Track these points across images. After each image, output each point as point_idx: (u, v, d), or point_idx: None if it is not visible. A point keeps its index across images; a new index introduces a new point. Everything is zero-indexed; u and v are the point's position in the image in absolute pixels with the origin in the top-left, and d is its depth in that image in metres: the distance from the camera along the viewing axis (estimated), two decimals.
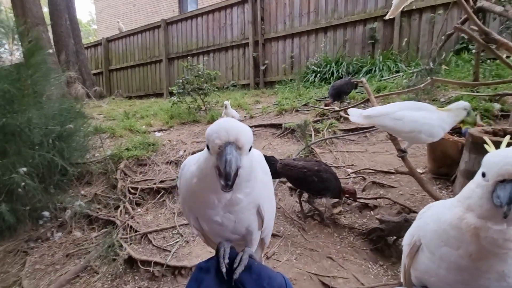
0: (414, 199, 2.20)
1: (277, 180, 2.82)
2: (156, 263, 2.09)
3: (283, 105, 4.78)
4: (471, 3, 2.56)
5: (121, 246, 2.33)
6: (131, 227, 2.57)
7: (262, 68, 7.19)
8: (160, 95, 9.17)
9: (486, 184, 0.58)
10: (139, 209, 2.87)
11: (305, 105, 4.61)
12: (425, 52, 4.77)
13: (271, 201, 0.83)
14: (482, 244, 0.59)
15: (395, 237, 1.85)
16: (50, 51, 4.54)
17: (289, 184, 2.75)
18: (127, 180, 3.26)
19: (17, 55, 3.19)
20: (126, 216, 2.76)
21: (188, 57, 6.92)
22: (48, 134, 2.86)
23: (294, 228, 2.25)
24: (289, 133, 3.84)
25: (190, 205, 0.78)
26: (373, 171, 2.57)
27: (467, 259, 0.62)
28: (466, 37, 4.51)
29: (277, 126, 4.14)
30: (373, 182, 2.46)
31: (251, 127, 4.32)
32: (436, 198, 1.76)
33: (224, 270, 0.68)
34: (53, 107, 3.11)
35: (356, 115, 1.85)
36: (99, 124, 5.34)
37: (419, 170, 2.42)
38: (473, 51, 3.45)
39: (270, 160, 2.39)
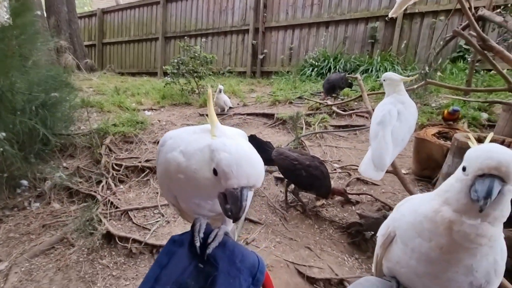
0: (395, 197, 2.25)
1: (264, 169, 2.82)
2: (135, 240, 2.07)
3: (278, 96, 4.75)
4: (473, 10, 2.57)
5: (100, 221, 2.29)
6: (112, 203, 2.53)
7: (260, 57, 7.09)
8: (154, 74, 8.95)
9: (466, 179, 0.58)
10: (121, 186, 2.83)
11: (300, 98, 4.59)
12: (423, 56, 4.80)
13: None
14: (454, 238, 0.59)
15: (372, 233, 1.89)
16: (38, 12, 4.30)
17: (275, 174, 2.76)
18: (112, 156, 3.19)
19: (6, 18, 3.01)
20: (108, 192, 2.71)
21: (186, 38, 6.70)
22: (31, 101, 2.75)
23: (276, 217, 2.27)
24: (280, 124, 3.83)
25: (168, 185, 0.74)
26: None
27: (438, 252, 0.63)
28: (463, 45, 4.56)
29: (270, 116, 4.12)
30: (358, 179, 2.50)
31: (243, 115, 4.33)
32: None
33: (198, 244, 0.67)
34: (39, 74, 2.97)
35: (371, 172, 1.69)
36: (87, 97, 5.19)
37: (403, 171, 2.47)
38: (469, 60, 3.50)
39: (266, 146, 2.40)
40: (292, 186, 2.31)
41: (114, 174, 2.94)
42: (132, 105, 4.92)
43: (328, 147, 3.09)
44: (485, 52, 1.67)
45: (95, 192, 2.69)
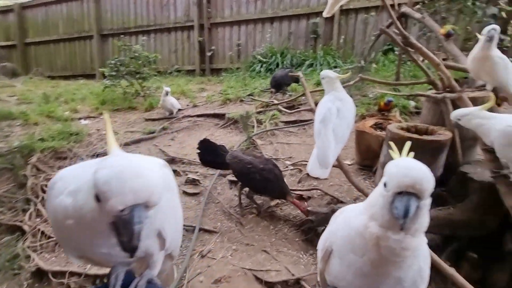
0: (342, 189, 2.36)
1: (217, 173, 2.74)
2: (72, 273, 1.82)
3: (228, 94, 4.65)
4: (396, 7, 2.79)
5: (29, 256, 1.98)
6: (43, 232, 2.20)
7: (208, 54, 6.88)
8: (91, 76, 8.09)
9: (387, 195, 0.59)
10: None
11: (250, 95, 4.57)
12: (359, 50, 5.14)
13: (176, 215, 0.73)
14: (382, 253, 0.60)
15: (324, 227, 1.96)
16: None
17: (229, 178, 2.69)
18: (41, 177, 2.78)
19: None
20: (38, 219, 2.35)
21: (125, 36, 6.15)
22: None
23: (232, 223, 2.21)
24: (232, 124, 3.76)
25: (64, 239, 0.62)
26: None
27: (370, 266, 0.64)
28: None
29: (221, 116, 4.02)
30: (308, 174, 2.57)
31: (193, 116, 4.15)
32: (359, 189, 1.91)
33: None
34: None
35: (317, 171, 1.75)
36: (8, 107, 4.45)
37: (348, 162, 2.61)
38: (397, 52, 3.85)
39: (220, 150, 2.34)
40: (247, 189, 2.27)
41: (45, 197, 2.56)
42: (65, 114, 4.36)
43: (279, 144, 3.12)
44: (407, 48, 1.81)
45: (20, 222, 2.31)
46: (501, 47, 4.27)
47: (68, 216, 0.53)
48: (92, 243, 0.59)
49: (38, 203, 2.50)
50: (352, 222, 0.69)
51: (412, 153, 0.69)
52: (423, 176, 0.55)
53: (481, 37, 1.75)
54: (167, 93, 4.06)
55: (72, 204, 0.52)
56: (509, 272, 1.60)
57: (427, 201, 0.57)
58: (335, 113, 1.72)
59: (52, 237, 2.15)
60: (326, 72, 1.81)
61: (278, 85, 3.88)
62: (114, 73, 4.72)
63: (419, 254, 0.65)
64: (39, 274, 1.87)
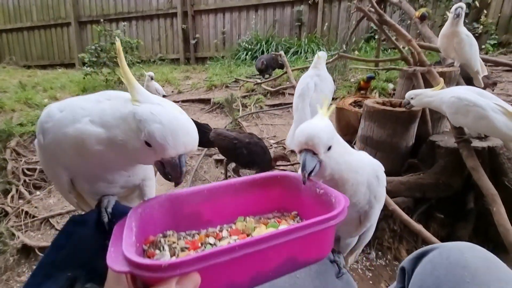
0: None
1: (203, 153, 2.78)
2: None
3: (214, 81, 4.66)
4: None
5: (13, 234, 1.97)
6: (26, 213, 2.19)
7: (193, 42, 6.80)
8: (70, 66, 7.80)
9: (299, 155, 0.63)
10: (38, 193, 2.45)
11: (236, 81, 4.59)
12: (343, 37, 5.26)
13: None
14: None
15: None
16: None
17: (216, 157, 2.74)
18: (21, 160, 2.72)
19: None
20: (20, 201, 2.33)
21: (102, 21, 5.93)
22: None
23: None
24: (217, 108, 3.79)
25: (66, 164, 0.62)
26: None
27: None
28: (373, 27, 5.14)
29: (206, 101, 4.04)
30: (292, 151, 2.67)
31: (178, 102, 4.14)
32: None
33: (105, 220, 0.62)
34: None
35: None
36: None
37: None
38: (376, 37, 4.00)
39: (203, 128, 2.34)
40: (233, 164, 2.33)
41: (27, 180, 2.53)
42: (44, 101, 4.22)
43: (264, 125, 3.20)
44: (382, 26, 1.91)
45: (2, 204, 2.28)
46: (474, 34, 4.53)
47: (100, 142, 0.55)
48: (106, 169, 0.62)
49: (20, 185, 2.46)
50: None
51: (332, 107, 0.70)
52: (313, 134, 0.58)
53: (450, 14, 1.88)
54: (151, 78, 4.02)
55: (106, 134, 0.55)
56: (471, 228, 1.78)
57: (329, 153, 0.60)
58: (313, 88, 1.80)
59: (37, 216, 2.14)
60: (321, 53, 1.91)
61: (265, 67, 3.94)
62: (94, 59, 4.59)
63: (363, 180, 0.67)
64: (26, 250, 1.87)
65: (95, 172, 0.64)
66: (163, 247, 0.52)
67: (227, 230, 0.57)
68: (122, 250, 0.40)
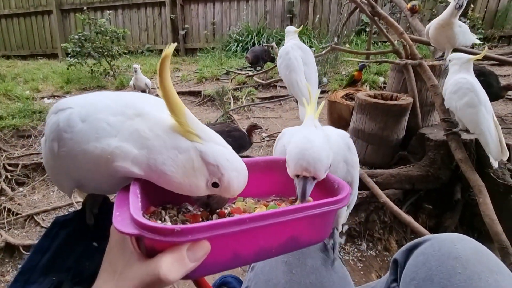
0: None
1: None
2: None
3: (204, 73, 4.57)
4: None
5: None
6: (9, 210, 2.10)
7: (182, 33, 6.62)
8: (53, 56, 7.48)
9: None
10: (21, 189, 2.36)
11: (226, 73, 4.52)
12: (334, 29, 5.24)
13: None
14: None
15: None
16: None
17: None
18: (2, 155, 2.60)
19: None
20: (2, 198, 2.23)
21: (85, 9, 5.67)
22: None
23: None
24: (208, 101, 3.73)
25: (76, 176, 0.55)
26: None
27: None
28: (364, 20, 5.14)
29: (196, 93, 3.96)
30: None
31: None
32: None
33: (91, 222, 0.59)
34: None
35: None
36: None
37: None
38: (367, 30, 4.00)
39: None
40: None
41: (9, 176, 2.42)
42: (26, 93, 4.04)
43: (256, 118, 3.17)
44: (375, 18, 1.90)
45: None
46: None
47: (136, 164, 0.50)
48: (122, 184, 0.58)
49: (2, 182, 2.36)
50: None
51: (322, 104, 0.67)
52: (315, 160, 0.53)
53: (452, 3, 1.84)
54: (136, 70, 3.89)
55: (148, 161, 0.49)
56: (457, 218, 1.83)
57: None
58: (301, 60, 1.74)
59: (21, 214, 2.07)
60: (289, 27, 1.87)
61: (256, 59, 3.88)
62: (78, 49, 4.41)
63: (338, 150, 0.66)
64: (10, 249, 1.80)
65: (107, 186, 0.57)
66: (164, 218, 0.51)
67: (227, 208, 0.57)
68: (130, 214, 0.39)
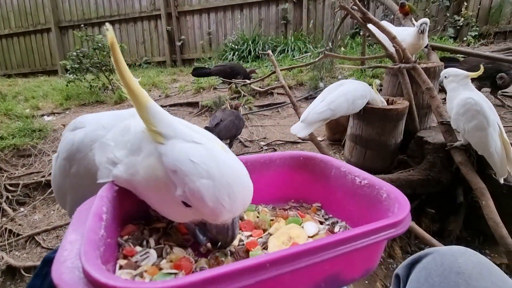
0: None
1: None
2: None
3: (201, 83, 4.60)
4: None
5: None
6: (10, 231, 2.10)
7: (178, 44, 6.69)
8: (53, 72, 7.58)
9: None
10: (22, 209, 2.36)
11: (223, 82, 4.54)
12: (328, 34, 5.27)
13: None
14: None
15: None
16: None
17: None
18: (3, 176, 2.61)
19: None
20: (4, 219, 2.23)
21: (82, 26, 5.76)
22: None
23: None
24: (206, 111, 3.74)
25: (82, 194, 0.51)
26: (283, 142, 2.77)
27: None
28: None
29: (194, 104, 3.98)
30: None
31: (165, 106, 4.06)
32: None
33: None
34: None
35: (297, 128, 1.79)
36: None
37: (319, 138, 2.72)
38: (361, 33, 4.01)
39: (207, 128, 2.38)
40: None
41: (10, 197, 2.43)
42: (26, 111, 4.08)
43: (254, 127, 3.17)
44: (366, 24, 1.91)
45: None
46: (455, 26, 4.60)
47: (122, 184, 0.44)
48: None
49: (3, 202, 2.36)
50: None
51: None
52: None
53: (414, 28, 1.98)
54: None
55: (126, 177, 0.42)
56: (461, 222, 1.80)
57: None
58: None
59: (21, 234, 2.06)
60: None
61: (231, 74, 3.88)
62: (77, 66, 4.46)
63: None
64: (11, 271, 1.80)
65: None
66: (147, 241, 0.39)
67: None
68: (80, 257, 0.26)
